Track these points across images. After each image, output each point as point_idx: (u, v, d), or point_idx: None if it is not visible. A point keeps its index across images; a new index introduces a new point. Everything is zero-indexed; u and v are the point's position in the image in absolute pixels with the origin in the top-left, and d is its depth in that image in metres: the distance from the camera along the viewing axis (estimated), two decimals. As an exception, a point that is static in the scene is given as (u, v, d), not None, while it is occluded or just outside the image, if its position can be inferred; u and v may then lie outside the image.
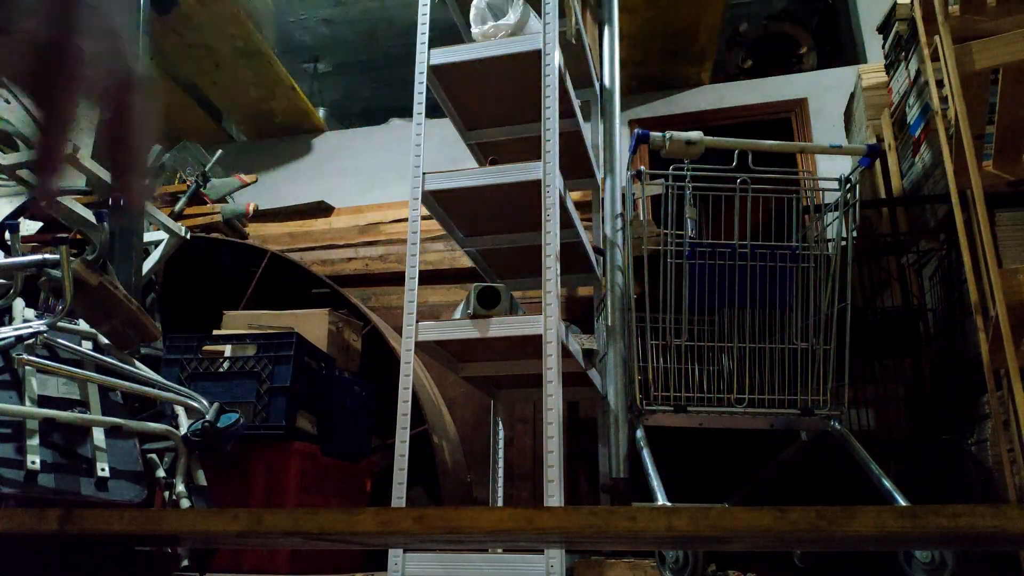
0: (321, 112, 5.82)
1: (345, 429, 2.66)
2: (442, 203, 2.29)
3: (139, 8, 2.15)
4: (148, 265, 2.13)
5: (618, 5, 2.79)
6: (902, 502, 1.70)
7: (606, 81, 2.69)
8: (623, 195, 2.31)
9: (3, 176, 2.04)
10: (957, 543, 1.14)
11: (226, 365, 2.40)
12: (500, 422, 2.76)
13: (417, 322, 2.04)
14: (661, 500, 1.72)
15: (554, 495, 1.67)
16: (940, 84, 2.05)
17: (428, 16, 2.24)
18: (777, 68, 4.87)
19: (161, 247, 2.24)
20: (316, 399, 2.52)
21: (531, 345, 2.09)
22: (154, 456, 1.62)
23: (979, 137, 1.75)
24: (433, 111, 2.35)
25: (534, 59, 2.10)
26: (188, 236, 2.32)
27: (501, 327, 2.00)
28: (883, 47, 2.80)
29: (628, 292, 2.25)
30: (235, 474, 2.27)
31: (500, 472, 2.70)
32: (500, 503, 2.70)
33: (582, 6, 2.65)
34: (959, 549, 1.50)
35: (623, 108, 4.69)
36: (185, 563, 1.57)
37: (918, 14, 2.11)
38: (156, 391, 1.63)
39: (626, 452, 2.19)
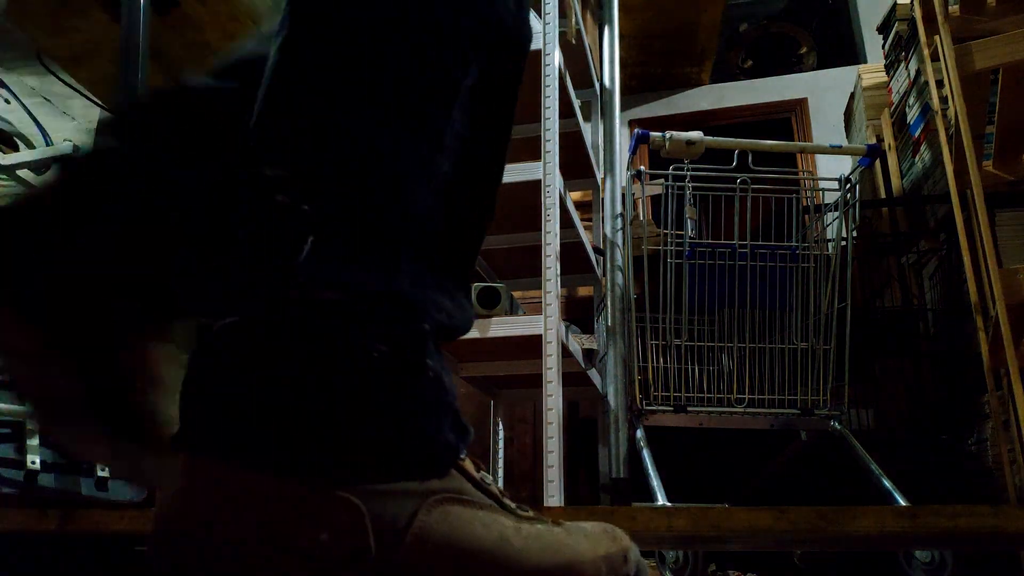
0: (321, 112, 5.82)
1: (345, 429, 2.66)
2: (442, 203, 2.29)
3: (140, 8, 2.15)
4: (148, 265, 2.13)
5: (618, 5, 2.79)
6: (902, 502, 1.70)
7: (606, 81, 2.69)
8: (623, 195, 2.31)
9: (3, 176, 2.04)
10: (957, 543, 1.14)
11: (226, 365, 2.40)
12: (500, 422, 2.76)
13: (417, 322, 2.04)
14: (661, 500, 1.72)
15: (554, 495, 1.67)
16: (940, 84, 2.05)
17: (428, 16, 2.24)
18: (777, 68, 4.87)
19: (161, 247, 2.24)
20: (316, 399, 2.51)
21: (531, 345, 2.09)
22: (154, 456, 1.62)
23: (979, 137, 1.75)
24: (433, 111, 2.35)
25: (534, 59, 2.10)
26: (188, 236, 2.32)
27: (501, 327, 2.00)
28: (883, 47, 2.80)
29: (628, 292, 2.25)
30: (235, 474, 2.27)
31: (500, 472, 2.70)
32: (500, 503, 2.70)
33: (582, 6, 2.65)
34: (959, 549, 1.50)
35: (623, 108, 4.68)
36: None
37: (918, 14, 2.11)
38: (156, 391, 1.63)
39: (626, 452, 2.19)
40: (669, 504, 1.71)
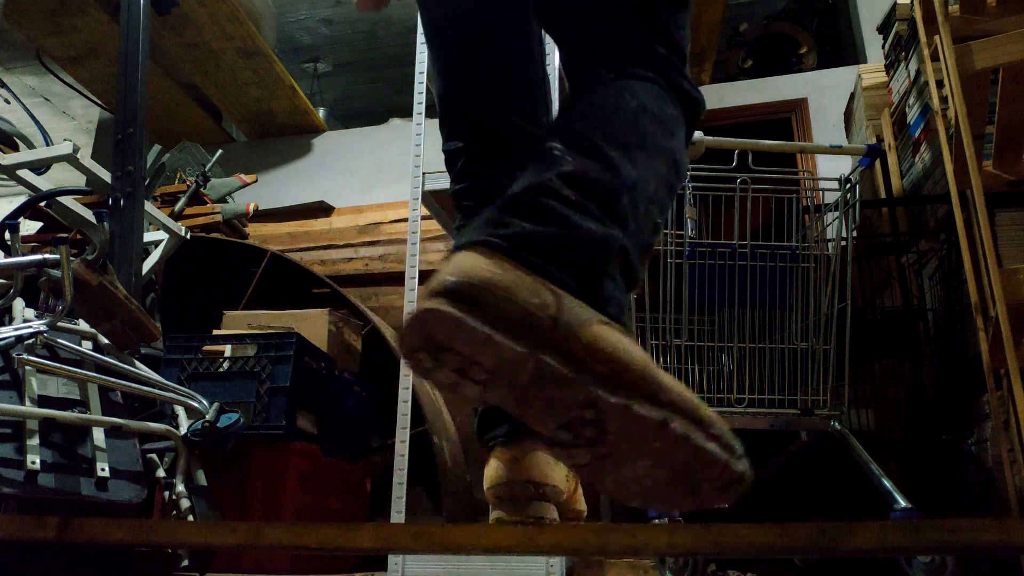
0: (321, 112, 5.82)
1: (345, 429, 2.66)
2: (442, 203, 2.29)
3: (140, 8, 2.15)
4: (148, 265, 2.13)
5: (618, 5, 2.78)
6: (902, 502, 1.70)
7: (606, 81, 2.68)
8: (623, 195, 2.31)
9: (3, 176, 2.04)
10: (959, 553, 1.14)
11: (226, 365, 2.40)
12: (500, 422, 2.75)
13: (417, 322, 2.04)
14: (661, 500, 1.72)
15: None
16: (940, 84, 2.05)
17: (428, 16, 2.24)
18: (777, 68, 4.86)
19: (161, 247, 2.24)
20: (316, 399, 2.52)
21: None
22: (154, 456, 1.62)
23: (979, 137, 1.75)
24: (433, 111, 2.35)
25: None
26: (188, 236, 2.32)
27: (501, 327, 1.98)
28: (883, 47, 2.80)
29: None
30: (235, 474, 2.27)
31: (500, 472, 2.69)
32: (500, 503, 2.69)
33: (582, 6, 2.64)
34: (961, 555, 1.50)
35: (623, 108, 4.68)
36: (185, 563, 1.57)
37: (918, 14, 2.11)
38: (156, 391, 1.63)
39: (626, 452, 2.18)
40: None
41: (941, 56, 1.79)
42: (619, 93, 0.85)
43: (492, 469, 0.98)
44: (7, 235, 1.72)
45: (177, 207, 3.58)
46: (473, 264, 0.65)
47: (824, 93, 4.42)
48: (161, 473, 1.60)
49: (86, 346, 1.65)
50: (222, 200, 3.88)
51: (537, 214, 0.71)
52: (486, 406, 1.03)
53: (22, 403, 1.43)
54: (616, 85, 0.86)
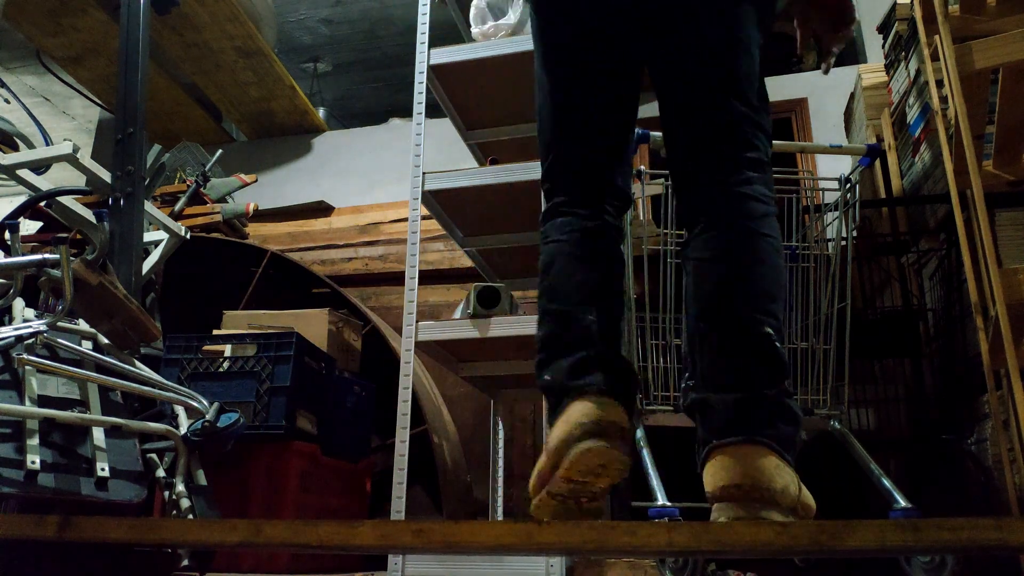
0: (321, 112, 5.82)
1: (345, 429, 2.66)
2: (442, 203, 2.29)
3: (140, 8, 2.15)
4: (148, 265, 2.13)
5: (618, 5, 2.78)
6: (902, 502, 1.70)
7: (606, 81, 2.68)
8: (623, 195, 2.31)
9: (3, 176, 2.04)
10: (959, 553, 1.14)
11: (226, 365, 2.40)
12: (500, 422, 2.76)
13: (417, 322, 2.04)
14: (661, 500, 1.72)
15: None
16: (940, 84, 2.05)
17: (428, 16, 2.24)
18: (777, 68, 4.86)
19: (161, 247, 2.24)
20: (316, 399, 2.52)
21: (531, 345, 2.09)
22: (154, 456, 1.62)
23: (979, 137, 1.75)
24: (433, 111, 2.35)
25: (532, 58, 2.09)
26: (188, 236, 2.32)
27: (501, 327, 2.00)
28: (883, 47, 2.80)
29: (628, 292, 2.25)
30: (235, 474, 2.27)
31: (500, 472, 2.70)
32: (500, 503, 2.70)
33: (582, 6, 2.64)
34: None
35: (623, 108, 4.67)
36: (185, 563, 1.57)
37: (918, 14, 2.11)
38: (156, 391, 1.63)
39: (626, 452, 2.18)
40: (669, 504, 1.71)
41: (941, 56, 1.79)
42: (766, 247, 1.12)
43: (577, 411, 1.05)
44: (7, 235, 1.72)
45: (177, 207, 3.58)
46: (766, 467, 0.99)
47: (824, 93, 4.42)
48: (161, 473, 1.60)
49: (86, 346, 1.65)
50: (222, 200, 3.88)
51: (786, 416, 1.06)
52: (575, 358, 1.15)
53: (22, 403, 1.43)
54: (758, 231, 1.12)
